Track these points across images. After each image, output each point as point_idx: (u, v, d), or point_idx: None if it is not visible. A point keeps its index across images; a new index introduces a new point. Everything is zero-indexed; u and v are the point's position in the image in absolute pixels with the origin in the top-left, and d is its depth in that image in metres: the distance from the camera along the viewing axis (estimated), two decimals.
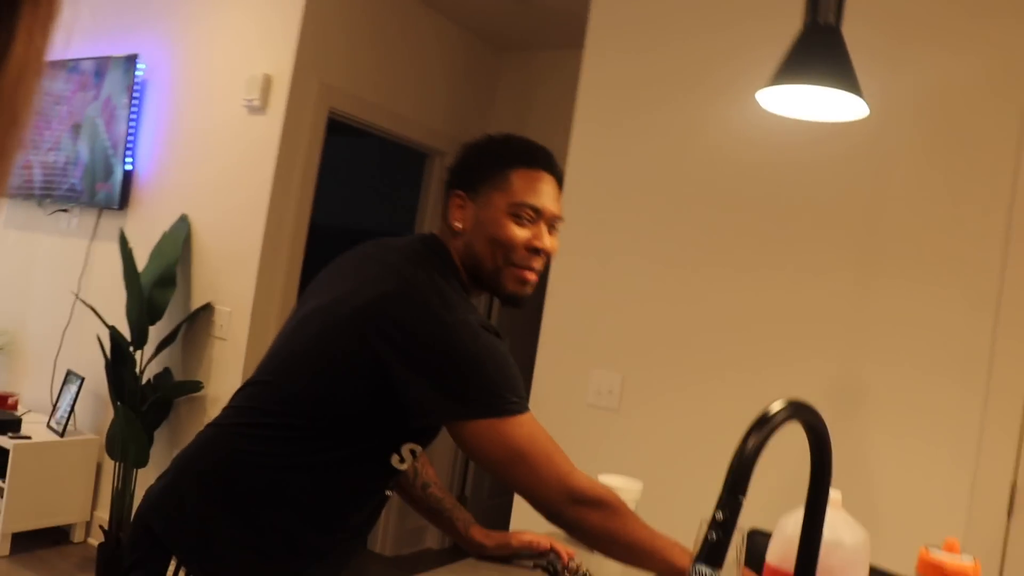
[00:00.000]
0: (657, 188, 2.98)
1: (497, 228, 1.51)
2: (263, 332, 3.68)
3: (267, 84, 3.69)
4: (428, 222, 4.58)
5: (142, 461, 3.71)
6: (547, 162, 1.57)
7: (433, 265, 1.48)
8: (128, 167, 4.20)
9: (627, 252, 3.02)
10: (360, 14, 4.01)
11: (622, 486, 1.60)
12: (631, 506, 1.47)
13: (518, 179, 1.52)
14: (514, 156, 1.56)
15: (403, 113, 4.30)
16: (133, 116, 4.14)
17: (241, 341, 3.67)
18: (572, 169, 3.13)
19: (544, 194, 1.53)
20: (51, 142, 4.45)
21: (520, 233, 1.51)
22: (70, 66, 4.39)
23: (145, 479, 3.64)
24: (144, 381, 3.89)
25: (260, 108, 3.71)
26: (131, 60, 4.14)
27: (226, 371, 3.72)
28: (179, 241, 3.82)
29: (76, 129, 4.37)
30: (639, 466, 2.74)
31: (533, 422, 1.39)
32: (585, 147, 3.14)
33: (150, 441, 3.73)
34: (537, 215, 1.52)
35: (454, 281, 1.49)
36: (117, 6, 4.40)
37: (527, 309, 1.65)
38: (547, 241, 1.54)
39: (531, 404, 1.47)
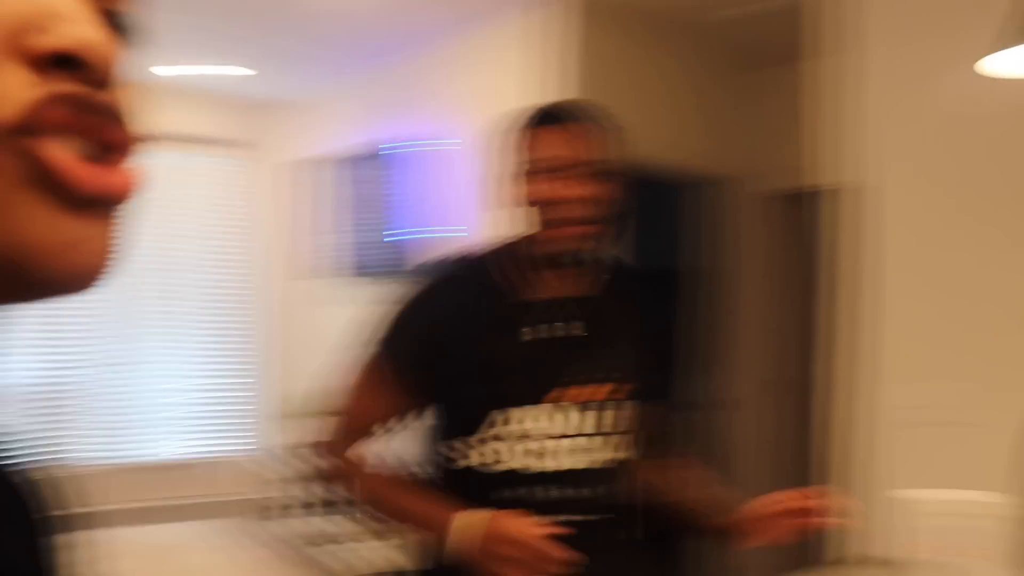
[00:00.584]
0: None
1: (524, 193, 1.50)
2: None
3: None
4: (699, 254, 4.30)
5: None
6: (565, 114, 1.54)
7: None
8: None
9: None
10: (614, 55, 3.87)
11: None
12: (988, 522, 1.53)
13: (535, 141, 1.50)
14: (532, 122, 1.53)
15: (656, 146, 3.91)
16: (435, 193, 4.32)
17: None
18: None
19: (561, 143, 1.49)
20: (358, 223, 4.87)
21: (543, 189, 1.47)
22: (361, 159, 4.77)
23: None
24: None
25: None
26: (411, 144, 4.36)
27: None
28: None
29: (373, 209, 4.70)
30: None
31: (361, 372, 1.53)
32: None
33: None
34: (559, 165, 1.47)
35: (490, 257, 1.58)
36: (399, 95, 4.62)
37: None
38: (574, 187, 1.47)
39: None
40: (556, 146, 1.49)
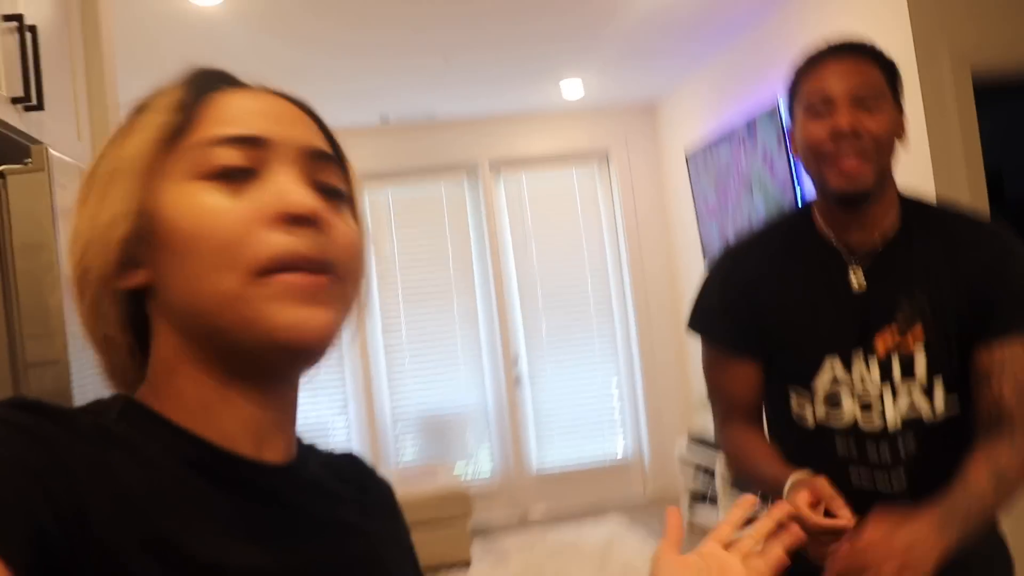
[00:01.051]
0: None
1: (802, 136, 1.45)
2: None
3: None
4: None
5: None
6: (834, 51, 1.46)
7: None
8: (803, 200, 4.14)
9: None
10: None
11: None
12: None
13: (806, 83, 1.45)
14: (802, 66, 1.48)
15: None
16: (789, 158, 4.31)
17: None
18: None
19: (832, 78, 1.41)
20: (734, 205, 4.92)
21: (817, 128, 1.41)
22: (727, 136, 4.86)
23: None
24: None
25: None
26: (774, 110, 4.36)
27: None
28: None
29: (748, 187, 4.74)
30: None
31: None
32: None
33: None
34: (830, 102, 1.40)
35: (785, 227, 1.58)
36: (754, 67, 4.63)
37: None
38: (847, 118, 1.38)
39: None
40: (824, 81, 1.42)
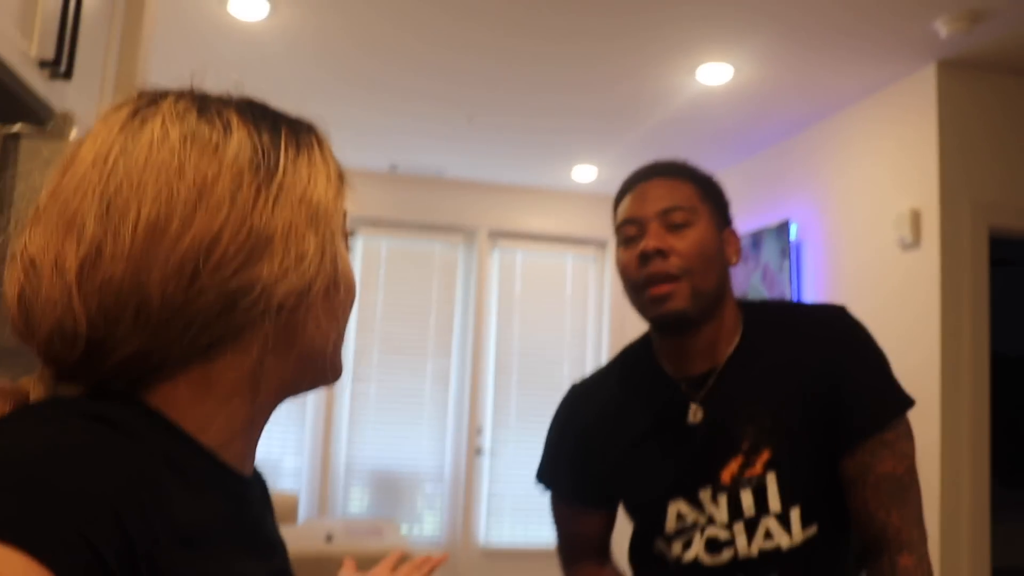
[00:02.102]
0: None
1: (618, 266, 1.41)
2: (955, 487, 3.32)
3: (915, 218, 3.57)
4: None
5: None
6: (646, 172, 1.42)
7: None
8: None
9: None
10: (1000, 117, 3.60)
11: None
12: None
13: (619, 210, 1.41)
14: (620, 192, 1.44)
15: None
16: (791, 277, 4.36)
17: (933, 499, 3.26)
18: None
19: (637, 202, 1.38)
20: None
21: (627, 255, 1.37)
22: None
23: None
24: None
25: (913, 244, 3.59)
26: (783, 227, 4.40)
27: None
28: None
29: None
30: None
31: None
32: None
33: None
34: (638, 226, 1.36)
35: (630, 359, 1.51)
36: (767, 183, 4.73)
37: None
38: (651, 240, 1.32)
39: None
40: (632, 205, 1.38)
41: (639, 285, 1.33)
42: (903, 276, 3.61)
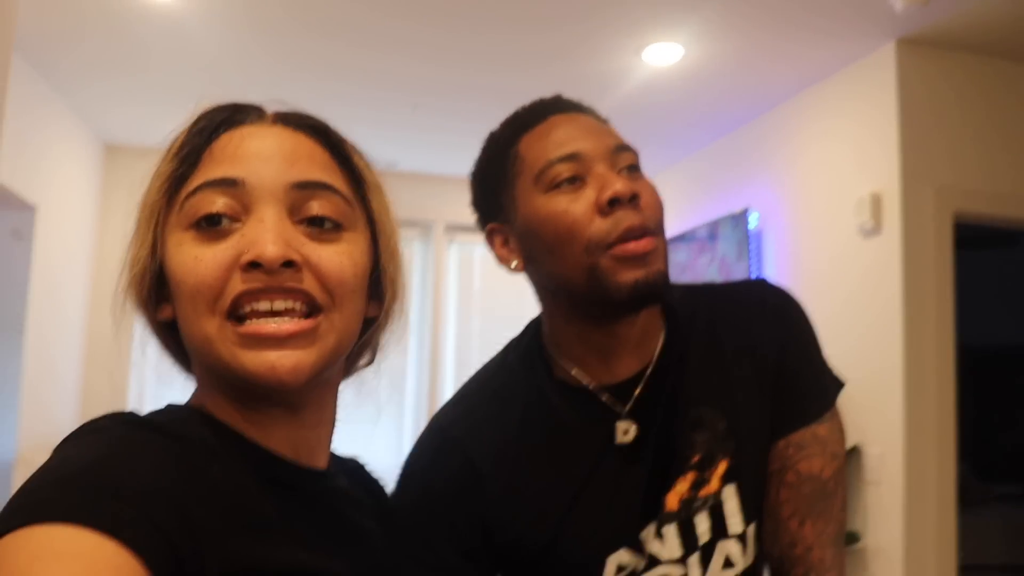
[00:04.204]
0: None
1: (545, 221, 1.01)
2: (920, 474, 3.25)
3: (876, 203, 3.46)
4: None
5: None
6: (560, 104, 1.10)
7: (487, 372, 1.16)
8: None
9: None
10: (960, 100, 3.49)
11: None
12: None
13: (527, 147, 1.05)
14: (512, 131, 1.08)
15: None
16: (752, 268, 4.18)
17: (897, 486, 3.25)
18: None
19: (571, 134, 1.03)
20: None
21: (570, 202, 0.99)
22: (687, 236, 4.68)
23: None
24: None
25: (874, 230, 3.47)
26: (740, 216, 4.23)
27: (883, 520, 3.33)
28: None
29: None
30: None
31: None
32: None
33: None
34: (580, 164, 1.01)
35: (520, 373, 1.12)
36: (725, 171, 4.61)
37: None
38: (621, 183, 0.98)
39: None
40: (565, 140, 1.03)
41: (602, 244, 0.98)
42: (865, 264, 3.52)
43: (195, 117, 0.76)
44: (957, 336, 3.34)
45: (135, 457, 0.63)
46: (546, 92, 1.19)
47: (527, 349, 1.14)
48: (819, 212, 3.83)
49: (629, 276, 0.98)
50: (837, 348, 3.51)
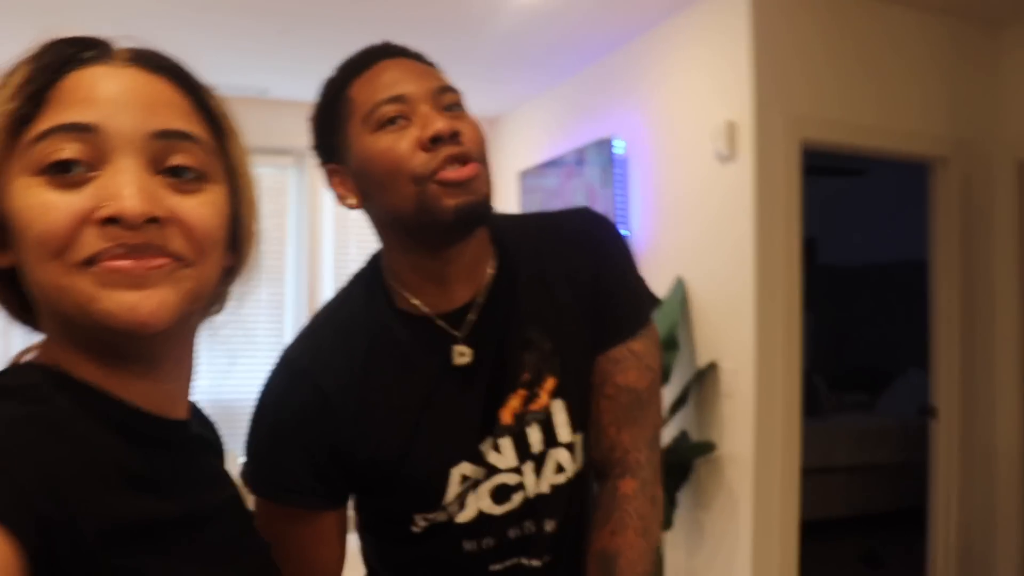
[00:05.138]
0: None
1: (374, 159, 1.08)
2: (769, 386, 3.44)
3: (731, 131, 3.57)
4: (941, 241, 3.91)
5: (666, 524, 3.64)
6: (385, 51, 1.16)
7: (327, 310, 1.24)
8: None
9: None
10: (814, 32, 3.64)
11: None
12: None
13: (358, 90, 1.11)
14: (343, 76, 1.15)
15: (891, 127, 3.75)
16: (618, 194, 4.29)
17: (748, 398, 3.45)
18: None
19: (396, 76, 1.10)
20: None
21: (395, 139, 1.07)
22: (556, 162, 4.82)
23: (671, 541, 3.82)
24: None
25: (729, 156, 3.58)
26: (605, 143, 4.33)
27: (736, 430, 3.53)
28: (676, 303, 3.87)
29: None
30: None
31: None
32: None
33: (673, 504, 3.71)
34: (404, 105, 1.08)
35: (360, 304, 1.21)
36: (591, 100, 4.67)
37: None
38: (442, 121, 1.07)
39: None
40: (390, 83, 1.10)
41: (425, 175, 1.05)
42: (722, 189, 3.64)
43: (37, 50, 0.70)
44: (817, 257, 3.50)
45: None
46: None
47: (369, 281, 1.22)
48: (680, 139, 3.93)
49: (452, 201, 1.06)
50: (696, 271, 3.75)
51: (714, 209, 3.69)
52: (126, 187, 0.65)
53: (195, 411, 0.88)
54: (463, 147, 1.07)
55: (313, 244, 5.53)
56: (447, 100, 1.11)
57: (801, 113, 3.55)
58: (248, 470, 1.17)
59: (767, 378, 3.43)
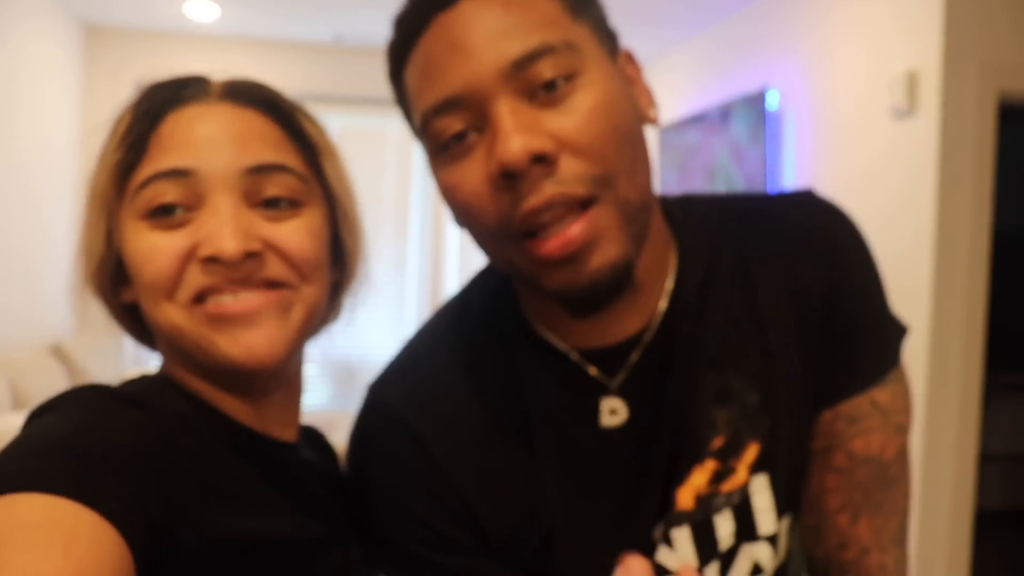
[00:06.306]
0: None
1: (445, 195, 0.75)
2: (945, 358, 3.14)
3: (911, 81, 3.23)
4: None
5: None
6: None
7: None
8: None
9: None
10: None
11: None
12: None
13: (411, 77, 0.74)
14: (395, 52, 0.76)
15: None
16: (769, 155, 3.96)
17: (920, 375, 3.12)
18: None
19: (452, 54, 0.69)
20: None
21: (467, 179, 0.70)
22: (698, 118, 4.51)
23: None
24: None
25: (908, 111, 3.26)
26: (757, 97, 4.01)
27: None
28: None
29: (710, 176, 4.42)
30: None
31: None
32: None
33: None
34: (470, 110, 0.69)
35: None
36: (741, 48, 4.37)
37: None
38: (514, 137, 0.66)
39: None
40: (446, 72, 0.70)
41: (506, 235, 0.71)
42: (898, 151, 3.29)
43: (137, 97, 0.75)
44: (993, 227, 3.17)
45: (112, 428, 0.63)
46: None
47: (494, 295, 0.87)
48: (846, 91, 3.59)
49: (555, 281, 0.71)
50: (871, 237, 3.41)
51: (887, 175, 3.34)
52: (222, 227, 0.70)
53: (311, 437, 0.91)
54: (560, 183, 0.67)
55: (439, 200, 5.39)
56: (540, 73, 0.68)
57: (999, 60, 3.14)
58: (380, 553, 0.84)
59: (941, 364, 3.11)
